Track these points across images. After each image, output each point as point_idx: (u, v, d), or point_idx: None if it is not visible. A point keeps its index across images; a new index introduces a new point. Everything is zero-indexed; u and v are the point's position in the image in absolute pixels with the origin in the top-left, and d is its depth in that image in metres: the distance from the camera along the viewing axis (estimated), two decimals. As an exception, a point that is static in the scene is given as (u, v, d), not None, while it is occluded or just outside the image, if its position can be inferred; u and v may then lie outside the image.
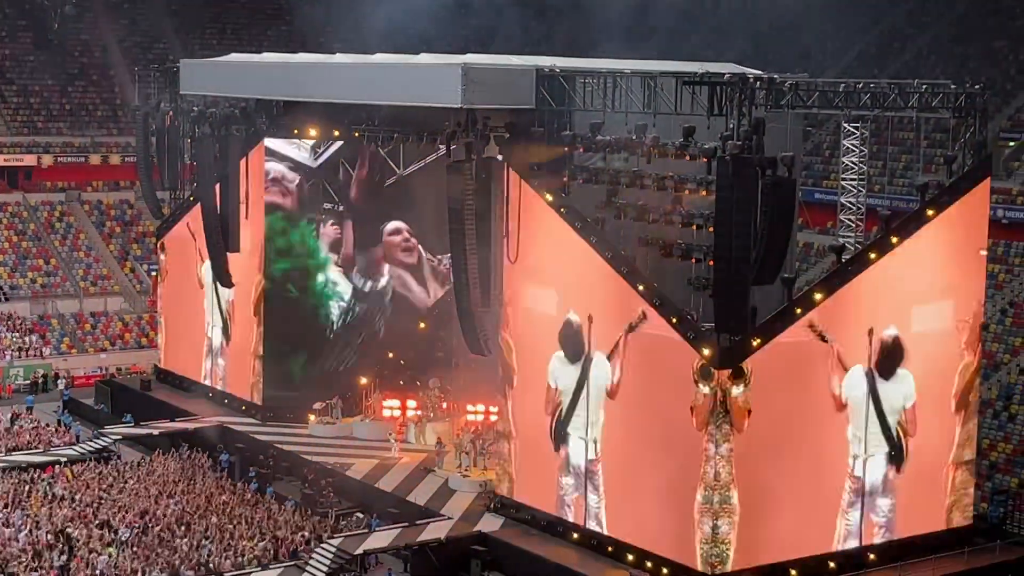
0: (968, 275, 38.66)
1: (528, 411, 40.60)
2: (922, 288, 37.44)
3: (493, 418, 44.97)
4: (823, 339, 35.62)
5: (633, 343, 36.95)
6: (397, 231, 52.54)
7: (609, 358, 37.52)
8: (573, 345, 38.83)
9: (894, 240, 36.68)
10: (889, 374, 37.09)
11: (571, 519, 39.08)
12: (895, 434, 37.33)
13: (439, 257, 52.40)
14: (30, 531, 39.46)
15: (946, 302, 38.12)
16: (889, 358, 37.03)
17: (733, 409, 34.52)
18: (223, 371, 54.12)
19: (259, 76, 50.67)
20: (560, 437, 39.22)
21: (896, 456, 37.43)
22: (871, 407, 36.96)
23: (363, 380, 51.07)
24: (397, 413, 50.03)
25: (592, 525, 38.52)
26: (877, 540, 37.39)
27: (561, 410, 39.17)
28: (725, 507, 34.80)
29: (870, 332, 36.63)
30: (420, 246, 52.79)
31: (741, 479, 34.83)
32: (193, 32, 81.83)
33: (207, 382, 54.94)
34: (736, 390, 34.46)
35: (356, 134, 47.92)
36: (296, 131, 50.27)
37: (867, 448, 36.96)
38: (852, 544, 37.07)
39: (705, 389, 34.62)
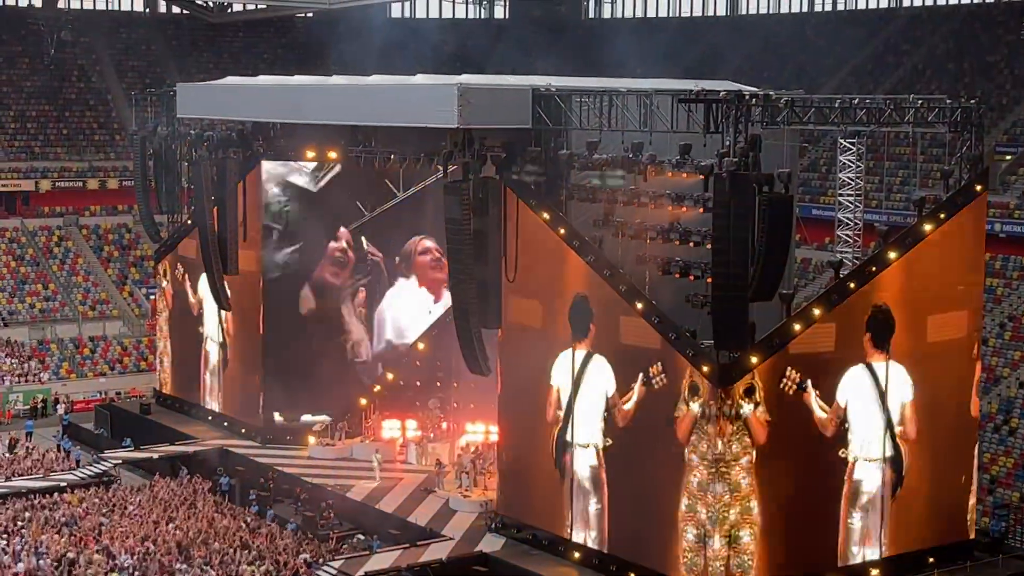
0: (967, 289, 38.62)
1: (526, 429, 40.55)
2: (925, 301, 37.44)
3: (493, 438, 44.92)
4: (800, 388, 35.36)
5: (630, 356, 37.02)
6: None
7: (623, 395, 37.30)
8: (581, 320, 38.61)
9: (892, 255, 36.70)
10: (884, 345, 36.72)
11: (573, 537, 39.00)
12: (896, 441, 37.20)
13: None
14: (29, 558, 39.33)
15: (952, 314, 38.08)
16: (882, 328, 36.65)
17: (751, 424, 34.47)
18: (222, 394, 54.07)
19: (256, 99, 50.72)
20: (561, 446, 39.15)
21: (896, 464, 37.27)
22: (877, 402, 36.80)
23: (363, 401, 51.06)
24: (397, 434, 50.05)
25: (593, 543, 38.46)
26: (879, 554, 37.28)
27: (561, 416, 39.15)
28: (746, 518, 34.70)
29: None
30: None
31: (757, 492, 34.80)
32: (189, 55, 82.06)
33: (206, 405, 54.90)
34: (747, 408, 34.43)
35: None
36: (293, 153, 50.31)
37: (869, 456, 36.77)
38: (854, 558, 36.98)
39: (694, 406, 34.64)
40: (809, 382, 35.38)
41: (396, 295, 52.99)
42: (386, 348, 52.77)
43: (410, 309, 52.90)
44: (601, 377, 38.11)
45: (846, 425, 36.28)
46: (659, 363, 35.86)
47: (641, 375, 36.40)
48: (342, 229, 51.79)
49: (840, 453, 36.19)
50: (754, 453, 34.64)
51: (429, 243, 52.21)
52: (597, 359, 38.30)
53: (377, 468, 46.94)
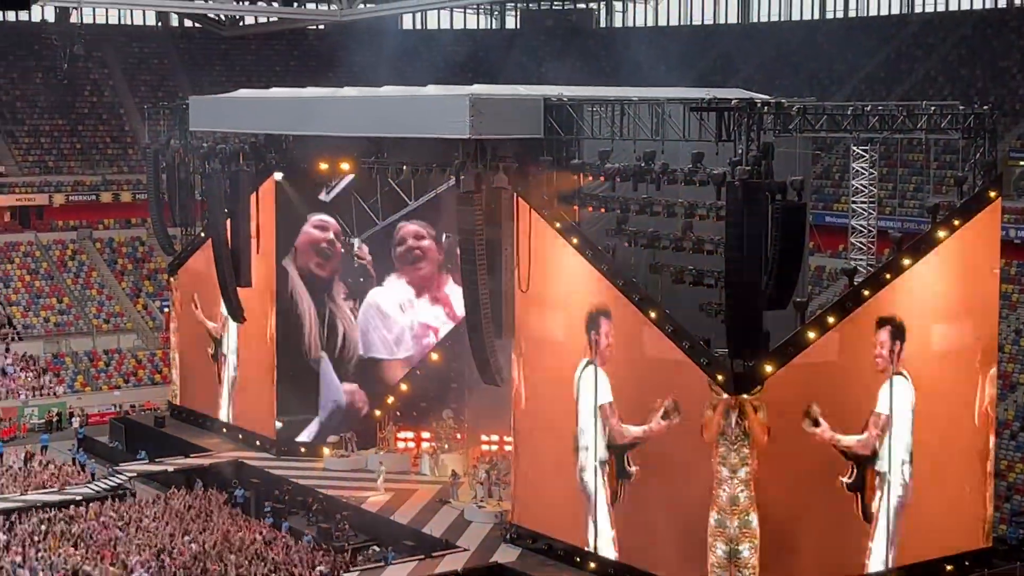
0: (981, 295, 38.50)
1: (540, 440, 40.50)
2: (939, 308, 37.30)
3: (508, 448, 44.87)
4: (816, 423, 35.22)
5: (644, 365, 36.93)
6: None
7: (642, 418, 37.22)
8: (590, 329, 38.63)
9: (906, 262, 36.57)
10: (899, 354, 36.62)
11: (589, 548, 38.92)
12: (914, 449, 37.12)
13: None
14: (46, 572, 39.37)
15: (964, 321, 37.95)
16: (902, 337, 36.62)
17: (752, 423, 34.28)
18: (236, 406, 54.09)
19: (268, 111, 50.83)
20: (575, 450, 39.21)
21: (912, 473, 37.18)
22: (909, 411, 36.75)
23: (376, 412, 51.04)
24: (411, 445, 50.03)
25: (609, 553, 38.37)
26: (896, 563, 37.12)
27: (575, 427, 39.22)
28: (745, 531, 34.57)
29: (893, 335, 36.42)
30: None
31: (762, 502, 34.59)
32: (202, 68, 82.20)
33: (221, 417, 54.93)
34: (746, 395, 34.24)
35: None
36: (306, 165, 50.36)
37: (893, 466, 36.64)
38: (871, 568, 36.81)
39: (724, 394, 34.37)
40: (820, 415, 35.14)
41: (376, 299, 51.76)
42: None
43: (380, 320, 51.65)
44: (598, 387, 38.08)
45: (888, 435, 36.15)
46: (674, 402, 35.78)
47: (661, 410, 36.21)
48: (326, 218, 51.33)
49: (843, 479, 35.94)
50: (753, 464, 34.40)
51: (413, 226, 51.02)
52: (597, 370, 38.24)
53: (381, 478, 46.88)
